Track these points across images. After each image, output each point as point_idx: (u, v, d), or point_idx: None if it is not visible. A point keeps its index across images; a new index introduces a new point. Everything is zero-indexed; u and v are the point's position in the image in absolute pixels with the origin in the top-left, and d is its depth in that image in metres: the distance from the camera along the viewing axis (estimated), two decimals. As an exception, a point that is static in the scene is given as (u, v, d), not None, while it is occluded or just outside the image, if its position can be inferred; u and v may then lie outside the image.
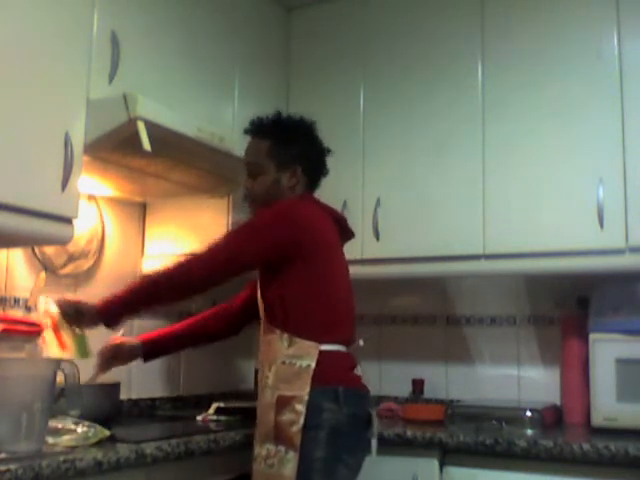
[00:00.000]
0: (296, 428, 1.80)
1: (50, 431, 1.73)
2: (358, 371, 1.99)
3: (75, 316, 1.98)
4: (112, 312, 1.97)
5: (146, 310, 2.07)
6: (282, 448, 1.81)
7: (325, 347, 1.89)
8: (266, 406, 1.88)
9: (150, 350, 2.28)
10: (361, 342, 2.01)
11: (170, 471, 1.89)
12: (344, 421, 1.86)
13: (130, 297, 1.96)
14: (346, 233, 2.18)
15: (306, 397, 1.82)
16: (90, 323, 1.99)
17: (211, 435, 2.03)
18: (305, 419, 1.81)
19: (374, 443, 1.95)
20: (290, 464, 1.78)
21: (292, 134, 2.10)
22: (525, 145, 2.54)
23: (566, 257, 2.43)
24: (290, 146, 2.08)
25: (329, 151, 2.17)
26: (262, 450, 1.85)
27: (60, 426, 1.78)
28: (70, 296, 2.08)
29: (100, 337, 2.29)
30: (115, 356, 2.24)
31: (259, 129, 2.12)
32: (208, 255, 1.94)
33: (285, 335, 1.90)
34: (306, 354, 1.87)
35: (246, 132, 2.14)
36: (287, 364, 1.87)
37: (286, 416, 1.82)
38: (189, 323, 2.34)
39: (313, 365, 1.85)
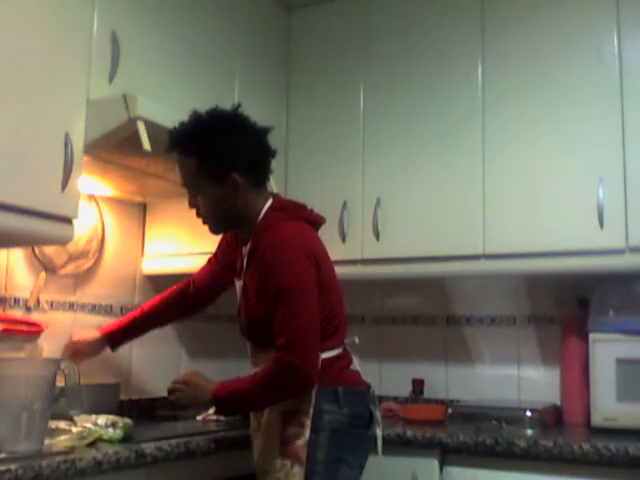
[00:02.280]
0: (302, 442, 1.78)
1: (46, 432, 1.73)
2: (355, 366, 1.97)
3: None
4: (228, 405, 1.90)
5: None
6: (288, 462, 1.78)
7: (324, 355, 1.85)
8: (271, 422, 1.85)
9: (114, 340, 2.25)
10: (356, 339, 1.99)
11: (170, 471, 1.88)
12: (345, 421, 1.84)
13: (247, 397, 1.86)
14: (318, 219, 2.05)
15: (311, 410, 1.80)
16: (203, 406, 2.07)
17: (211, 435, 2.03)
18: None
19: (379, 442, 1.93)
20: (296, 478, 1.76)
21: (214, 141, 1.87)
22: (525, 145, 2.54)
23: (566, 257, 2.43)
24: (217, 156, 1.87)
25: (267, 131, 1.94)
26: (270, 465, 1.82)
27: (54, 427, 1.77)
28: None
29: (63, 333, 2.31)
30: (78, 352, 2.22)
31: (179, 146, 1.91)
32: (307, 348, 1.78)
33: None
34: None
35: (168, 151, 1.92)
36: None
37: (292, 430, 1.80)
38: (150, 306, 2.27)
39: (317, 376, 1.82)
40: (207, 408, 2.23)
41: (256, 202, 1.94)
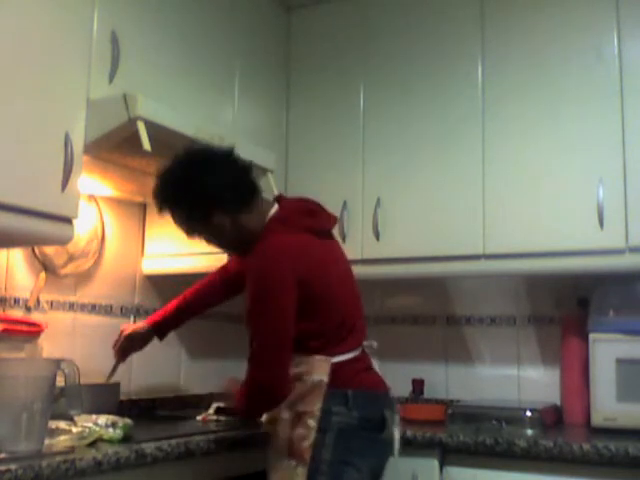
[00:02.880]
0: (307, 443, 1.81)
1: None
2: (375, 367, 2.00)
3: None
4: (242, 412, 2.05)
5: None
6: (293, 462, 1.81)
7: (336, 359, 1.88)
8: (283, 422, 1.87)
9: (161, 329, 2.34)
10: (374, 344, 2.01)
11: (170, 471, 1.88)
12: (354, 424, 1.85)
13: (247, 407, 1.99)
14: (324, 224, 2.06)
15: (318, 413, 1.83)
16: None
17: (211, 435, 2.03)
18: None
19: (396, 444, 1.94)
20: (299, 479, 1.79)
21: (187, 191, 1.93)
22: (525, 145, 2.54)
23: (566, 257, 2.43)
24: (196, 202, 1.93)
25: (229, 155, 1.98)
26: (278, 463, 1.85)
27: (54, 427, 1.77)
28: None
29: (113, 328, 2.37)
30: (130, 345, 2.31)
31: (164, 206, 1.98)
32: (265, 362, 1.87)
33: (295, 356, 1.87)
34: (318, 368, 1.86)
35: (159, 211, 2.01)
36: (301, 380, 1.86)
37: (298, 431, 1.83)
38: (192, 293, 2.36)
39: (326, 380, 1.85)
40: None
41: (253, 221, 1.97)
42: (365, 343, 1.99)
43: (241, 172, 1.99)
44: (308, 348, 1.87)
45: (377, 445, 1.92)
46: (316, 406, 1.83)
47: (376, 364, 2.02)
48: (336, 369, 1.87)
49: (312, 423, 1.82)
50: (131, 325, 2.37)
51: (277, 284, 1.85)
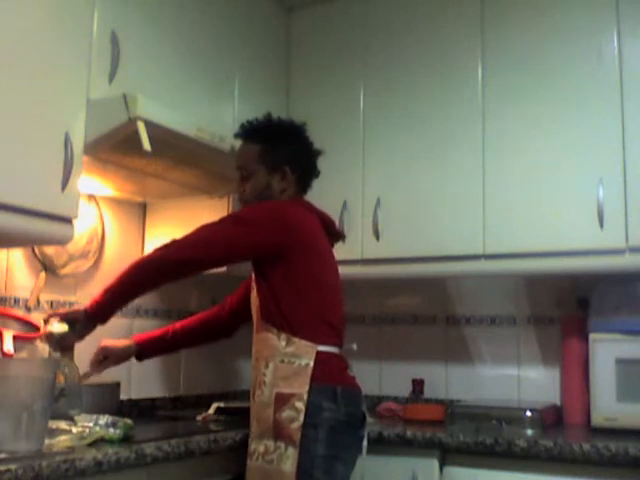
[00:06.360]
0: (296, 425, 1.84)
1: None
2: (351, 372, 2.03)
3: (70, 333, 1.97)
4: (102, 310, 1.96)
5: (137, 296, 2.02)
6: (282, 444, 1.84)
7: (322, 348, 1.93)
8: (263, 403, 1.91)
9: (143, 351, 2.31)
10: (354, 346, 2.06)
11: (170, 471, 1.88)
12: (342, 420, 1.90)
13: (118, 288, 1.95)
14: (335, 235, 2.21)
15: (305, 395, 1.86)
16: (86, 330, 1.98)
17: (211, 435, 2.03)
18: (305, 417, 1.85)
19: (364, 443, 2.00)
20: (290, 460, 1.82)
21: (282, 137, 2.13)
22: (525, 145, 2.54)
23: (566, 257, 2.43)
24: (279, 149, 2.10)
25: (319, 153, 2.19)
26: (259, 446, 1.88)
27: (54, 427, 1.77)
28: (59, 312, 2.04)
29: (113, 329, 2.30)
30: (107, 357, 2.25)
31: (250, 133, 2.15)
32: (203, 240, 1.93)
33: (282, 334, 1.93)
34: (304, 353, 1.90)
35: (237, 136, 2.18)
36: (286, 362, 1.90)
37: (286, 413, 1.86)
38: (182, 326, 2.36)
39: (312, 364, 1.89)
40: (86, 327, 2.00)
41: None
42: (345, 347, 2.03)
43: (316, 169, 2.19)
44: (296, 331, 1.92)
45: (357, 441, 1.98)
46: (304, 389, 1.86)
47: (351, 368, 2.03)
48: (324, 360, 1.91)
49: (300, 406, 1.85)
50: (111, 340, 2.27)
51: (272, 218, 1.96)
